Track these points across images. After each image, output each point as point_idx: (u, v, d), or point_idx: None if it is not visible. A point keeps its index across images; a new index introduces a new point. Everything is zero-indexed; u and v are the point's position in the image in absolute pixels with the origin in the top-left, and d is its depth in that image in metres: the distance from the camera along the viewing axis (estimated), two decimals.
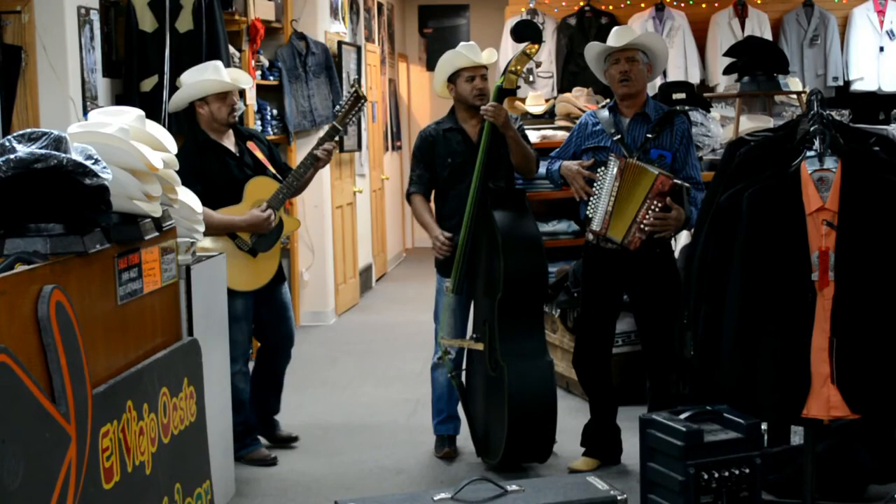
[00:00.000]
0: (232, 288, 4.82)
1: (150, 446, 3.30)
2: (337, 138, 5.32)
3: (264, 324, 5.29)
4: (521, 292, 4.87)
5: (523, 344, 4.90)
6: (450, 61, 5.14)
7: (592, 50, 4.97)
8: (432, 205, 5.34)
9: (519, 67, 4.95)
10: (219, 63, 5.25)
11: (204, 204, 4.72)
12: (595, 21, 9.55)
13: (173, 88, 5.86)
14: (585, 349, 5.03)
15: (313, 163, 5.20)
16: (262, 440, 5.35)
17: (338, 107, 5.30)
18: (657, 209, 4.67)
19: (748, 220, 3.76)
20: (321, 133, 5.36)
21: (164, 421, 3.43)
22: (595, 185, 4.81)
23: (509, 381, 4.80)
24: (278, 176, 5.25)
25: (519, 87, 5.67)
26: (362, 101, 5.28)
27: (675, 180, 4.71)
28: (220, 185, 5.04)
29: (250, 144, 5.26)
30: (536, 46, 4.94)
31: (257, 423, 5.34)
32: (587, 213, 4.84)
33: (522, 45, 4.96)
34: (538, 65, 5.19)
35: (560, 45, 9.66)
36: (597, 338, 4.99)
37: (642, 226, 4.69)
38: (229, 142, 5.19)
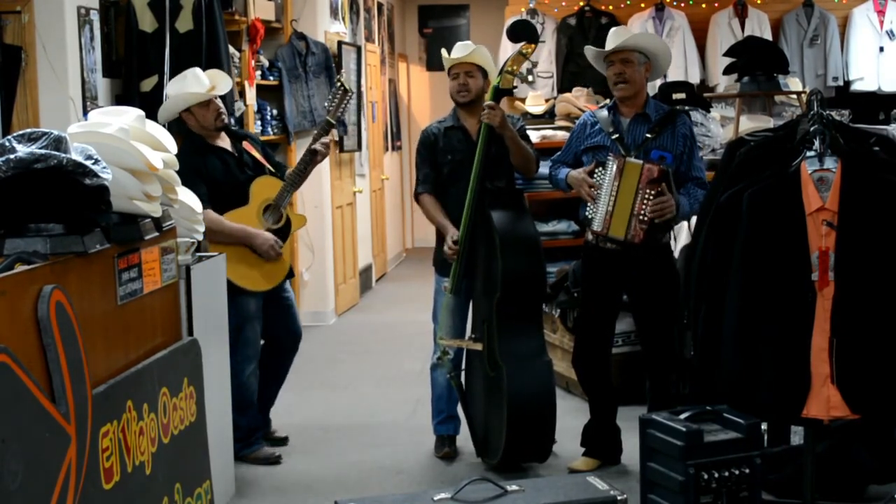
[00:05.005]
0: (247, 288, 5.05)
1: (150, 446, 3.30)
2: (333, 133, 5.41)
3: (273, 321, 5.30)
4: (519, 292, 4.87)
5: (522, 344, 4.90)
6: (444, 61, 5.19)
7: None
8: None
9: (515, 67, 4.94)
10: (197, 70, 5.21)
11: (212, 208, 4.90)
12: (595, 21, 9.53)
13: None
14: (585, 349, 5.03)
15: (312, 157, 5.24)
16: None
17: (327, 102, 5.36)
18: (651, 197, 4.66)
19: (748, 220, 3.76)
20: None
21: (164, 421, 3.43)
22: (595, 186, 4.80)
23: (508, 381, 4.80)
24: (277, 174, 5.31)
25: (516, 87, 5.70)
26: (349, 94, 5.34)
27: (661, 165, 4.71)
28: (224, 186, 5.09)
29: (245, 144, 5.31)
30: (533, 46, 4.94)
31: (263, 423, 5.37)
32: (587, 213, 4.83)
33: (520, 45, 4.97)
34: (535, 64, 5.21)
35: (560, 46, 9.65)
36: (596, 338, 4.98)
37: (641, 217, 4.69)
38: (225, 143, 5.24)
